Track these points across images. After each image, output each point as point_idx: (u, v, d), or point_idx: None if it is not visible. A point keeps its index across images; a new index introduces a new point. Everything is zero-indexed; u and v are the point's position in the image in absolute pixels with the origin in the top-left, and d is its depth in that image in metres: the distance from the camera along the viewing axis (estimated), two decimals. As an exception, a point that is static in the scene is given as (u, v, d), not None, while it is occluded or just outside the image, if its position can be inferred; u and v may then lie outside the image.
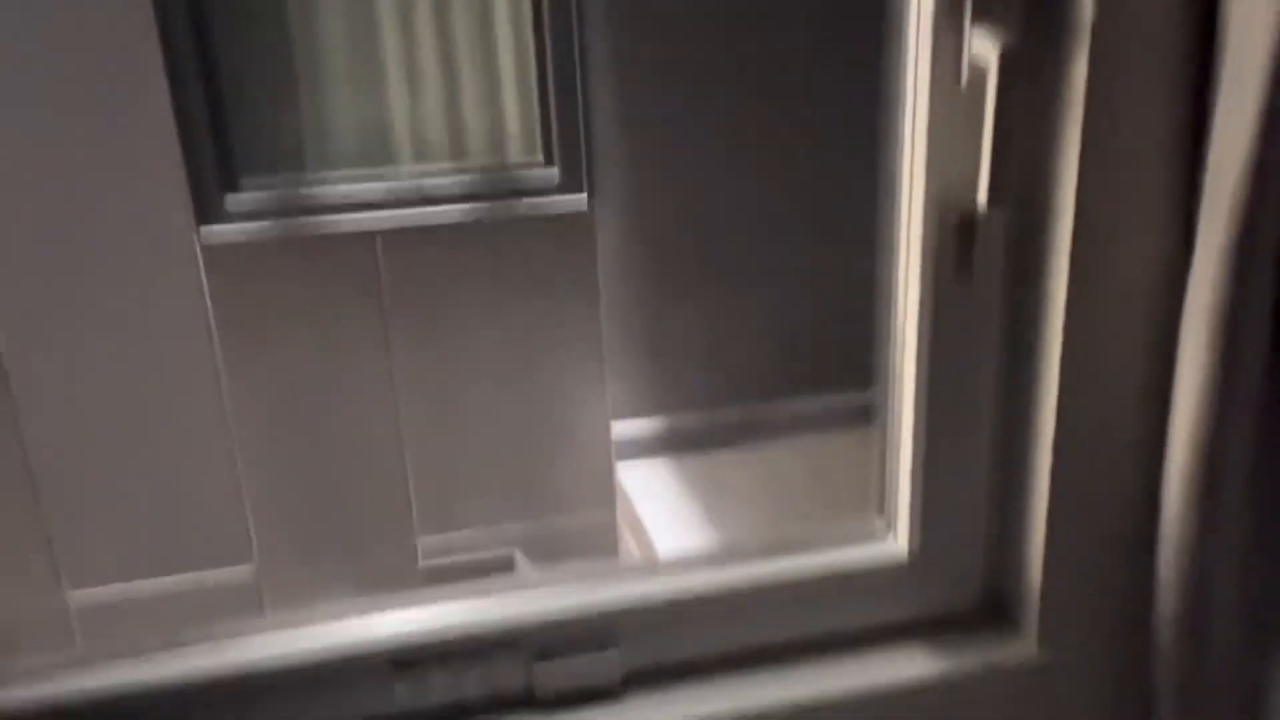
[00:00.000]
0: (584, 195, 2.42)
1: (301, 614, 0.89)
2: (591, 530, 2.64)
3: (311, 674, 0.85)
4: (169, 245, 2.27)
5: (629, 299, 2.55)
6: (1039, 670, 0.93)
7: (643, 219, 2.51)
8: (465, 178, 2.44)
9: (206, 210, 2.28)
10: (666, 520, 2.41)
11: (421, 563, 2.56)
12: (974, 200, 0.80)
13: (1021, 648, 0.93)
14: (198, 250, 2.28)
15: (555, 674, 0.88)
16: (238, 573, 2.51)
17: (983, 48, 0.75)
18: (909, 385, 0.88)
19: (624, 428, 2.63)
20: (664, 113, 2.45)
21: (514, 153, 2.48)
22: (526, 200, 2.43)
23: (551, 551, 2.61)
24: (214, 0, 2.22)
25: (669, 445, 2.64)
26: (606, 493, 2.61)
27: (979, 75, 0.76)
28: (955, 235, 0.81)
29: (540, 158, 2.46)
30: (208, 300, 2.30)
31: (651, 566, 0.92)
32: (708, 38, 2.41)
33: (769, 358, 2.62)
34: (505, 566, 2.57)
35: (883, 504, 0.97)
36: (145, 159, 2.21)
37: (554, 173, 2.44)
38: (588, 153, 2.42)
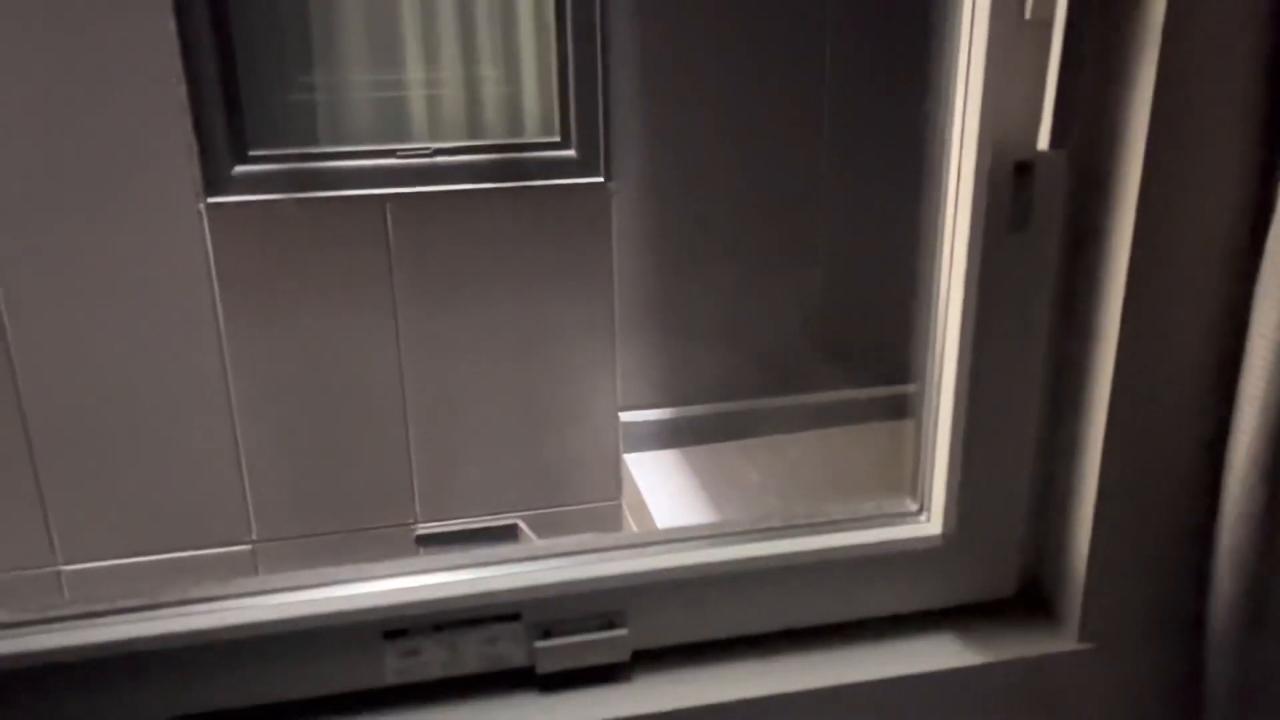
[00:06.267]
0: (601, 178, 2.37)
1: (288, 577, 0.83)
2: (595, 516, 2.58)
3: (299, 641, 0.79)
4: (174, 208, 2.22)
5: (645, 281, 2.48)
6: (1080, 663, 0.86)
7: (660, 201, 2.45)
8: (480, 157, 2.38)
9: (214, 181, 2.23)
10: (672, 508, 2.35)
11: (420, 529, 2.50)
12: (1033, 142, 0.73)
13: (1061, 639, 0.86)
14: (203, 210, 2.23)
15: (559, 650, 0.82)
16: (234, 553, 2.45)
17: (1051, -28, 0.68)
18: (951, 349, 0.81)
19: (634, 417, 2.56)
20: (685, 90, 2.38)
21: (530, 131, 2.42)
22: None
23: (555, 532, 2.55)
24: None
25: (680, 437, 2.58)
26: (613, 478, 2.55)
27: (1045, 4, 0.69)
28: (1011, 180, 0.74)
29: (557, 138, 2.41)
30: (211, 262, 2.25)
31: (667, 539, 0.86)
32: (731, 14, 2.34)
33: (788, 349, 2.55)
34: (507, 537, 2.51)
35: (916, 481, 0.90)
36: (154, 126, 2.16)
37: (571, 154, 2.39)
38: (606, 132, 2.36)
